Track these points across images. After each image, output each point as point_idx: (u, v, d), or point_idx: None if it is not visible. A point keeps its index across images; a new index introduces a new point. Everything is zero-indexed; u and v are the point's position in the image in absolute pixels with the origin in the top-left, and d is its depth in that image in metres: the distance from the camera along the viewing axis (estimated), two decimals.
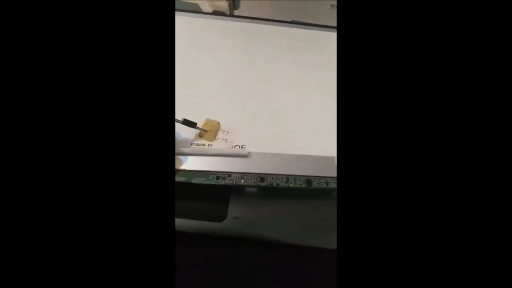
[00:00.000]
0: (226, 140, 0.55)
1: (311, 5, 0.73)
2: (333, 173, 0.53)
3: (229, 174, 0.51)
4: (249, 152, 0.54)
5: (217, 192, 0.51)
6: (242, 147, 0.55)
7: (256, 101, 0.61)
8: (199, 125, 0.54)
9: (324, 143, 0.55)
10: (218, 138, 0.56)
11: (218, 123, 0.57)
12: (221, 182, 0.51)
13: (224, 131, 0.56)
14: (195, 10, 0.71)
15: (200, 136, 0.55)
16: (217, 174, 0.52)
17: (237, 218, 0.51)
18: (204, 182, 0.50)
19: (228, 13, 0.71)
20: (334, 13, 0.73)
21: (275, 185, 0.52)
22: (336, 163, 0.54)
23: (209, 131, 0.55)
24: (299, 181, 0.52)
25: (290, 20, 0.71)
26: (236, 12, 0.74)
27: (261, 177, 0.52)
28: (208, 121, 0.56)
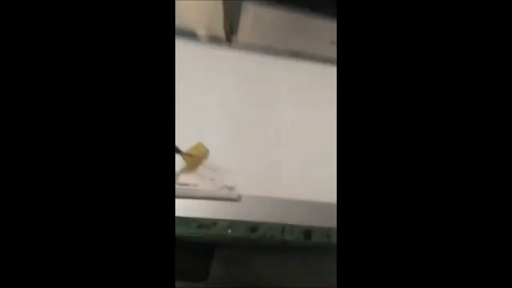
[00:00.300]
0: (213, 180, 0.48)
1: (311, 40, 0.69)
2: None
3: (214, 222, 0.44)
4: (239, 195, 0.47)
5: (198, 246, 0.43)
6: (231, 189, 0.48)
7: (251, 137, 0.54)
8: (187, 148, 0.48)
9: (326, 187, 0.48)
10: (205, 177, 0.49)
11: (207, 151, 0.50)
12: (204, 232, 0.43)
13: (212, 168, 0.49)
14: (190, 35, 0.66)
15: (184, 160, 0.48)
16: (200, 222, 0.44)
17: (222, 277, 0.42)
18: (184, 233, 0.42)
19: (224, 39, 0.66)
20: (333, 49, 0.68)
21: (268, 237, 0.44)
22: None
23: (194, 157, 0.48)
24: (296, 232, 0.45)
25: (290, 51, 0.67)
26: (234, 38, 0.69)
27: (252, 226, 0.45)
28: (198, 145, 0.50)
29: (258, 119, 0.57)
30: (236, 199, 0.46)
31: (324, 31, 0.58)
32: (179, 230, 0.41)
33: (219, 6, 0.54)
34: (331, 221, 0.45)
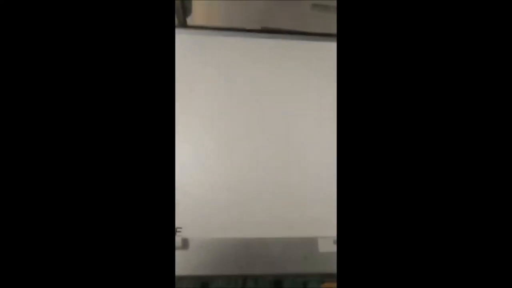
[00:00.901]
0: None
1: (285, 7, 0.47)
2: (317, 266, 0.35)
3: None
4: (184, 240, 0.36)
5: None
6: (177, 232, 0.36)
7: (203, 145, 0.41)
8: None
9: (302, 218, 0.36)
10: None
11: None
12: None
13: None
14: None
15: None
16: None
17: None
18: None
19: (177, 20, 0.46)
20: (317, 15, 0.46)
21: None
22: (322, 249, 0.35)
23: None
24: (262, 284, 0.35)
25: (259, 27, 0.47)
26: (189, 20, 0.48)
27: (204, 282, 0.34)
28: None
29: (219, 115, 0.42)
30: (180, 247, 0.35)
31: None
32: None
33: None
34: (309, 266, 0.35)
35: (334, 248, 0.34)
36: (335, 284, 0.35)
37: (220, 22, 0.47)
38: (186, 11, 0.46)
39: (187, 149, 0.39)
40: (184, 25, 0.46)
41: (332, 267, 0.33)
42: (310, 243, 0.36)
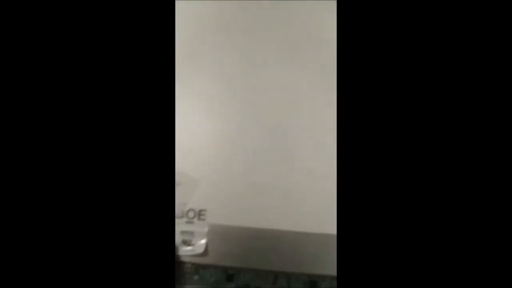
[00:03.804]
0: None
1: None
2: None
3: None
4: (210, 226, 0.31)
5: None
6: (200, 216, 0.32)
7: (229, 131, 0.35)
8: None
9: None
10: None
11: None
12: None
13: None
14: None
15: None
16: None
17: None
18: None
19: None
20: None
21: None
22: None
23: None
24: (296, 283, 0.30)
25: None
26: None
27: (229, 274, 0.30)
28: None
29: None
30: (205, 235, 0.31)
31: None
32: None
33: None
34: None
35: None
36: None
37: None
38: None
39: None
40: None
41: None
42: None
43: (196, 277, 0.30)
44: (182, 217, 0.31)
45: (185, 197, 0.32)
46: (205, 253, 0.30)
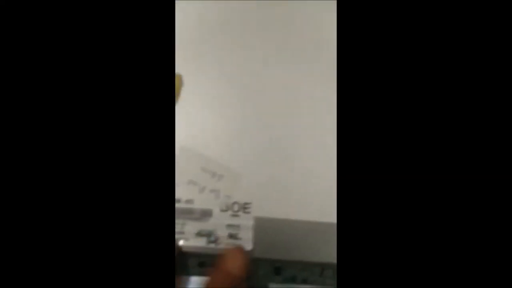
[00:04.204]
0: (217, 193, 0.32)
1: None
2: None
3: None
4: (255, 219, 0.31)
5: None
6: (245, 208, 0.31)
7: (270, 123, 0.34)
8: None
9: None
10: (204, 187, 0.33)
11: (180, 78, 0.33)
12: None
13: (211, 172, 0.32)
14: None
15: None
16: (202, 259, 0.29)
17: None
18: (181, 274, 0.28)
19: None
20: None
21: (300, 281, 0.30)
22: None
23: None
24: None
25: None
26: None
27: (277, 267, 0.30)
28: None
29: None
30: (252, 226, 0.31)
31: None
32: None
33: None
34: None
35: None
36: None
37: None
38: None
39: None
40: None
41: None
42: None
43: None
44: (227, 210, 0.31)
45: (228, 191, 0.32)
46: (253, 248, 0.30)
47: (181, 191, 0.31)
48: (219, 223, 0.31)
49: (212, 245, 0.30)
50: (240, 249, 0.28)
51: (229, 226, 0.30)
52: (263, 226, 0.31)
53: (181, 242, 0.30)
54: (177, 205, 0.31)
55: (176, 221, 0.30)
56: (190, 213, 0.31)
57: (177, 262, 0.29)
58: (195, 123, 0.33)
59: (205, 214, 0.31)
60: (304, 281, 0.30)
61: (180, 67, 0.33)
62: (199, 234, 0.30)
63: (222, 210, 0.31)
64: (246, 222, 0.31)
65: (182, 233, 0.30)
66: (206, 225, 0.30)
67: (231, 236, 0.30)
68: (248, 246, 0.30)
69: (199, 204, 0.31)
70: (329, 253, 0.30)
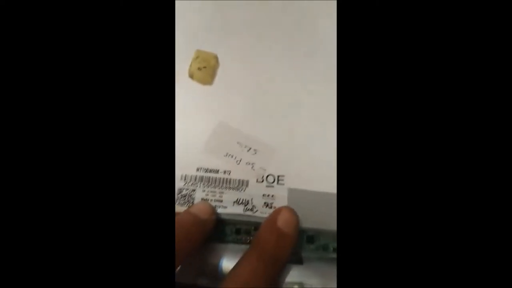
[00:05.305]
0: (252, 165, 0.34)
1: None
2: None
3: (256, 226, 0.31)
4: (289, 191, 0.32)
5: None
6: (280, 180, 0.33)
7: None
8: (188, 62, 0.35)
9: None
10: (241, 159, 0.34)
11: (216, 58, 0.35)
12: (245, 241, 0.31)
13: (247, 146, 0.34)
14: None
15: (191, 77, 0.35)
16: (240, 225, 0.32)
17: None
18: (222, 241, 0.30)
19: None
20: None
21: (332, 251, 0.31)
22: None
23: (203, 69, 0.35)
24: None
25: None
26: None
27: (309, 235, 0.31)
28: (199, 54, 0.35)
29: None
30: (285, 197, 0.32)
31: None
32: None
33: None
34: None
35: None
36: None
37: None
38: None
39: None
40: None
41: None
42: None
43: None
44: (262, 181, 0.33)
45: (263, 163, 0.33)
46: None
47: (219, 163, 0.33)
48: (255, 193, 0.32)
49: (249, 213, 0.32)
50: (292, 209, 0.30)
51: (265, 196, 0.32)
52: (296, 197, 0.32)
53: (219, 210, 0.32)
54: (215, 175, 0.33)
55: (215, 190, 0.32)
56: (227, 183, 0.33)
57: (216, 230, 0.31)
58: (231, 102, 0.35)
59: (242, 184, 0.33)
60: (336, 250, 0.31)
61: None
62: (237, 202, 0.32)
63: (258, 181, 0.33)
64: (280, 192, 0.32)
65: (220, 201, 0.32)
66: (243, 195, 0.32)
67: (267, 205, 0.32)
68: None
69: (236, 175, 0.33)
70: None
